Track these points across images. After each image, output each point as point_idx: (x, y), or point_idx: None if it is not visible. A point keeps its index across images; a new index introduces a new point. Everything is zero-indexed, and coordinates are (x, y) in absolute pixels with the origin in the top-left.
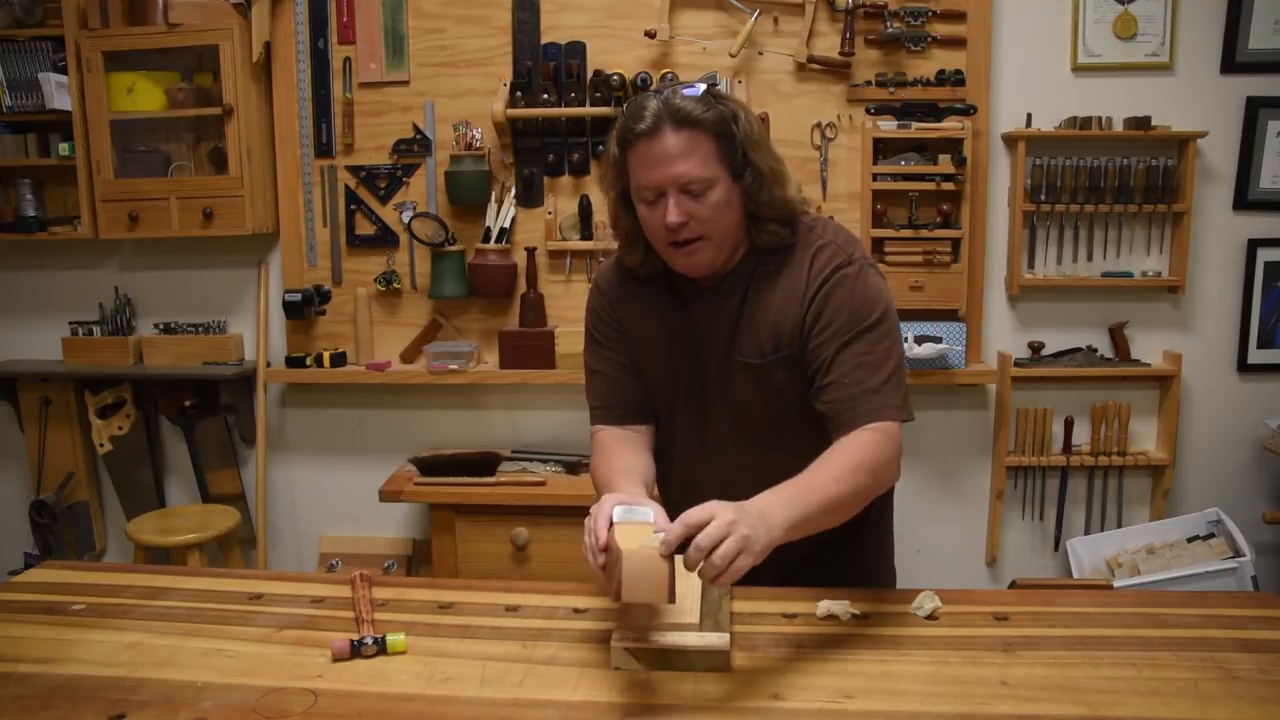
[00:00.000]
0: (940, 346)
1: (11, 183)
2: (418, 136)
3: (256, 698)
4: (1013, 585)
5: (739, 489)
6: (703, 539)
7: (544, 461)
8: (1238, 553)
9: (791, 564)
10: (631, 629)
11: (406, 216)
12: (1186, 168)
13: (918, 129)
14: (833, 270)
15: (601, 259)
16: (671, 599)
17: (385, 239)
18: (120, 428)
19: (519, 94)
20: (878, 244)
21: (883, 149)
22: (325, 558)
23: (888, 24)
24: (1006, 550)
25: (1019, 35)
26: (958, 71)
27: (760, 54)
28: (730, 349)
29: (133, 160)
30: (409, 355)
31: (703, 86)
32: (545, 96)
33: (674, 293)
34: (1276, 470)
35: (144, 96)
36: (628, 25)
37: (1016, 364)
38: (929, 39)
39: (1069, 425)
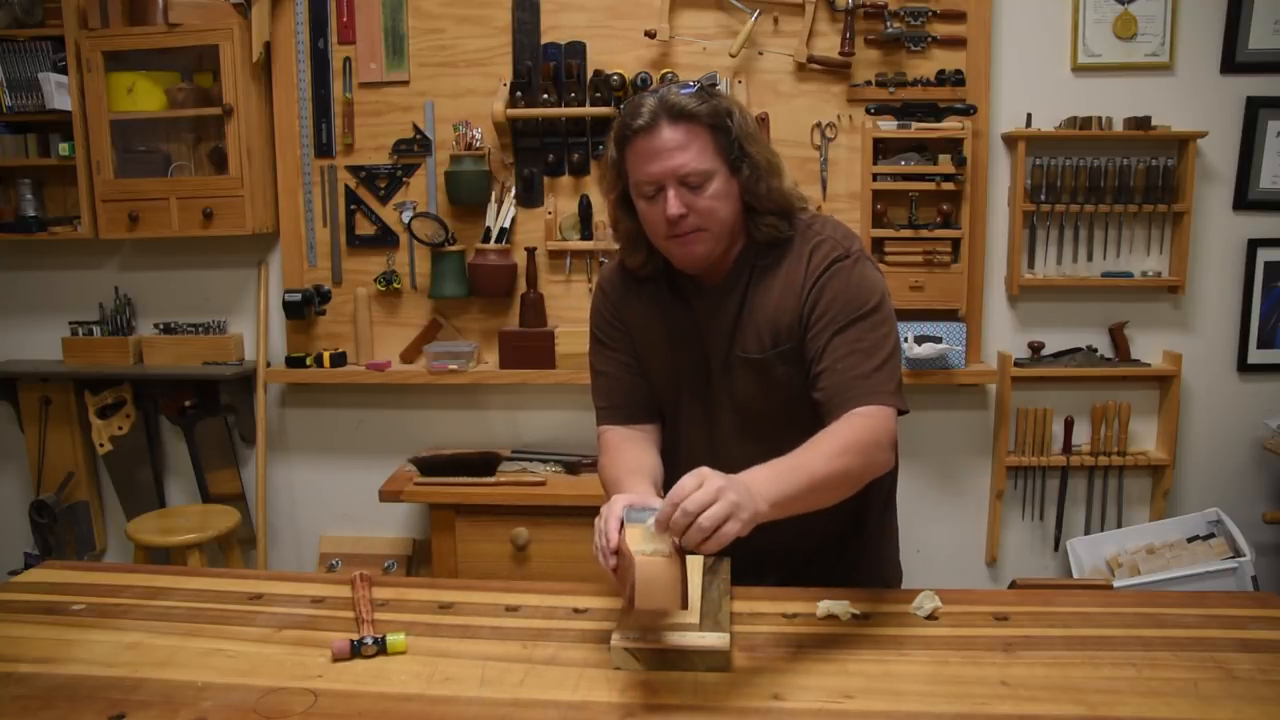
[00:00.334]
0: (940, 346)
1: (11, 183)
2: (418, 136)
3: (256, 698)
4: (1013, 585)
5: None
6: (689, 504)
7: (544, 461)
8: (1238, 553)
9: (795, 563)
10: (631, 629)
11: (406, 216)
12: (1186, 168)
13: (918, 129)
14: (830, 263)
15: (602, 259)
16: (684, 605)
17: (385, 239)
18: (120, 428)
19: (519, 94)
20: (878, 244)
21: (883, 149)
22: (325, 558)
23: (888, 24)
24: (1006, 550)
25: (1019, 35)
26: (958, 71)
27: (760, 54)
28: (732, 345)
29: (133, 160)
30: (409, 355)
31: (697, 85)
32: (545, 96)
33: (676, 292)
34: (1276, 470)
35: (144, 96)
36: (628, 25)
37: (1016, 364)
38: (929, 39)
39: (1069, 425)
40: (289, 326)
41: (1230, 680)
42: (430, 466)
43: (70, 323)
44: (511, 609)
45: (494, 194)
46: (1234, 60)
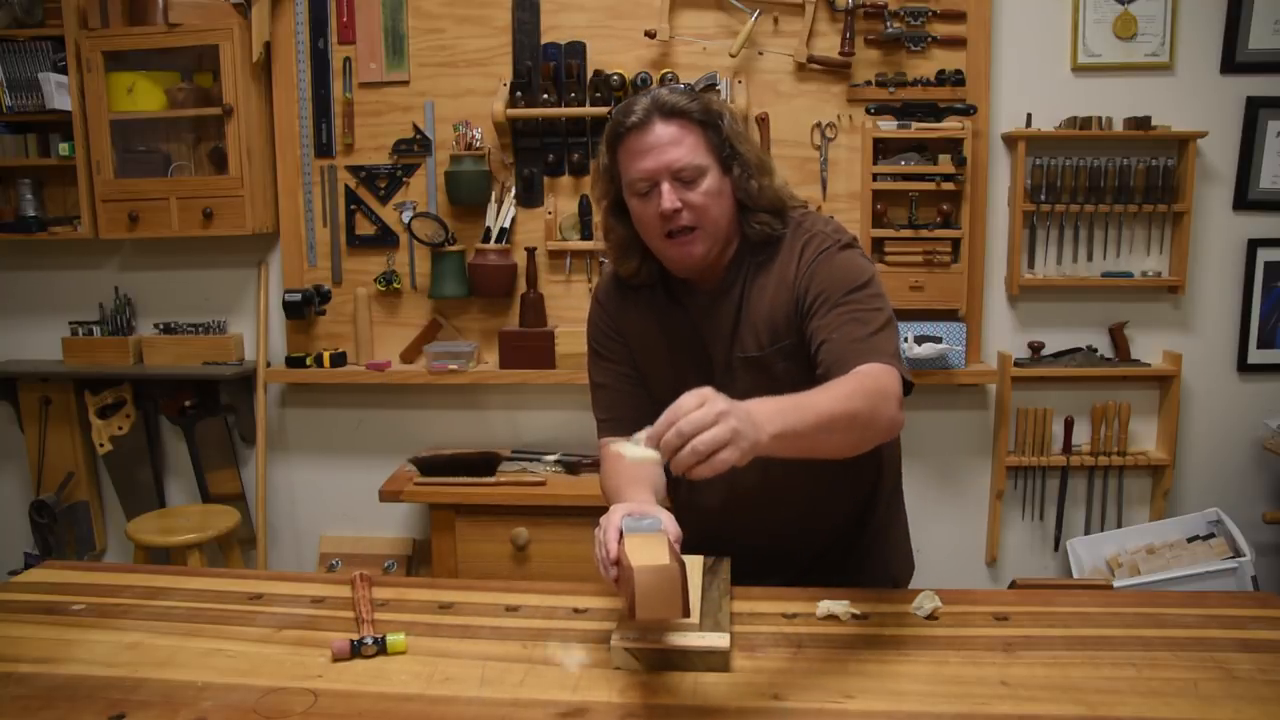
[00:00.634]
0: (940, 346)
1: (11, 183)
2: (418, 136)
3: (256, 698)
4: (1013, 585)
5: (746, 489)
6: (685, 424)
7: (544, 461)
8: (1238, 553)
9: (802, 565)
10: (632, 629)
11: (406, 216)
12: (1186, 168)
13: (918, 129)
14: (819, 253)
15: (602, 259)
16: (686, 613)
17: (385, 239)
18: (120, 428)
19: (519, 94)
20: (878, 244)
21: (883, 149)
22: (325, 558)
23: (888, 24)
24: (1006, 550)
25: (1019, 35)
26: (958, 71)
27: (760, 54)
28: (732, 346)
29: (133, 160)
30: (409, 355)
31: (687, 86)
32: (545, 96)
33: (672, 298)
34: (1276, 470)
35: (144, 96)
36: (628, 25)
37: (1016, 364)
38: (929, 39)
39: (1069, 425)
40: (289, 326)
41: (1230, 680)
42: (430, 466)
43: (70, 323)
44: (511, 609)
45: (494, 194)
46: (1234, 60)
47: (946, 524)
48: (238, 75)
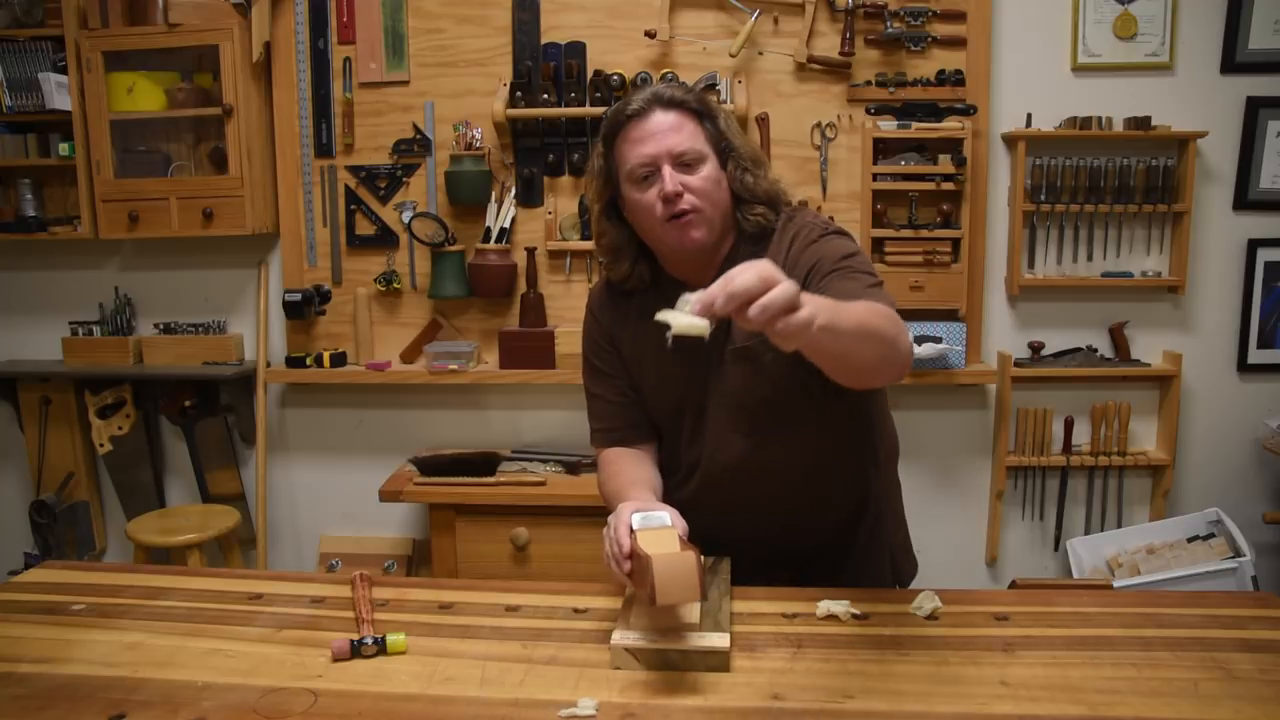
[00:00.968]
0: (940, 346)
1: (11, 183)
2: (418, 136)
3: (256, 698)
4: (1013, 585)
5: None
6: (737, 285)
7: (544, 461)
8: (1238, 553)
9: (801, 560)
10: (632, 629)
11: (406, 216)
12: (1186, 168)
13: (918, 129)
14: (809, 242)
15: (602, 260)
16: (704, 596)
17: (385, 239)
18: (120, 428)
19: (519, 94)
20: (878, 244)
21: (883, 149)
22: (325, 558)
23: (888, 24)
24: (1006, 550)
25: (1019, 35)
26: (958, 71)
27: (760, 54)
28: (725, 340)
29: (133, 160)
30: (409, 355)
31: (683, 84)
32: (545, 96)
33: (665, 301)
34: (1276, 470)
35: (144, 96)
36: (628, 25)
37: (1016, 364)
38: (929, 39)
39: (1069, 425)
40: (289, 326)
41: (1230, 680)
42: (430, 466)
43: (70, 323)
44: (511, 609)
45: (494, 194)
46: (1234, 60)
47: (946, 524)
48: (238, 75)
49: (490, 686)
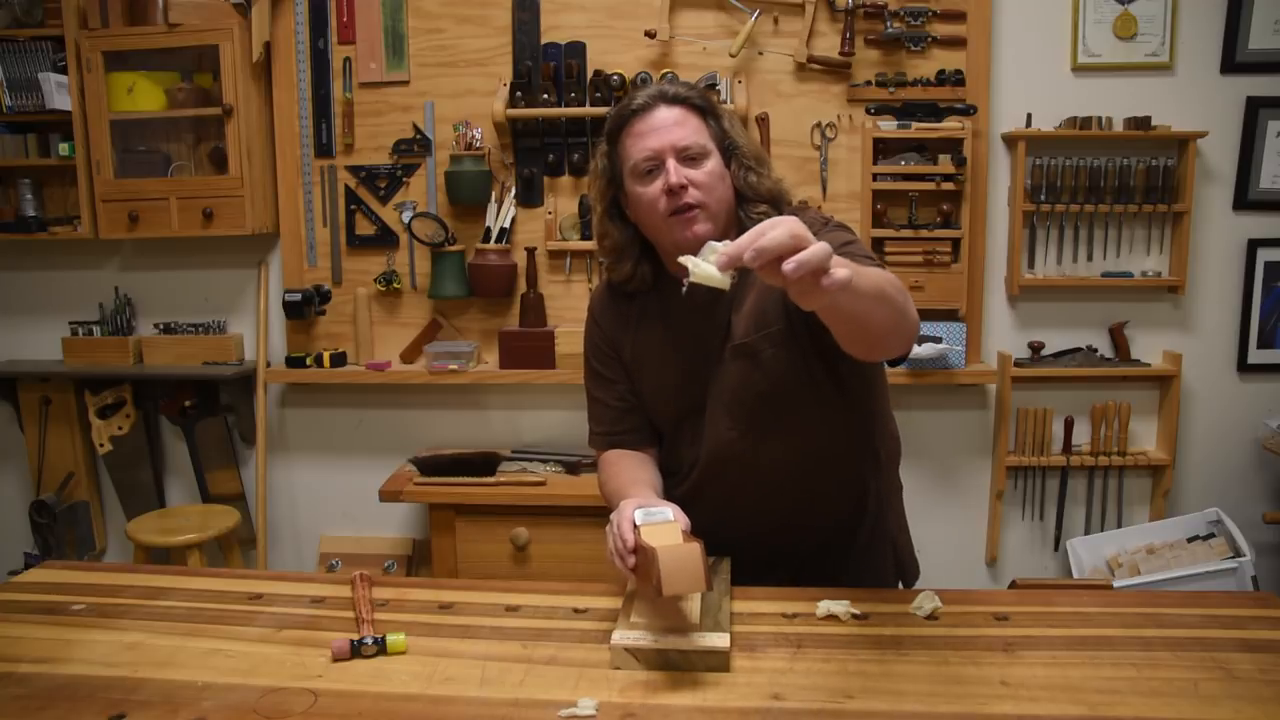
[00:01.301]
0: (940, 346)
1: (11, 183)
2: (418, 136)
3: (256, 698)
4: (1013, 585)
5: (742, 485)
6: (767, 241)
7: (544, 461)
8: (1238, 553)
9: (801, 559)
10: (631, 629)
11: (406, 216)
12: (1186, 168)
13: (918, 129)
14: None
15: (602, 260)
16: (710, 586)
17: (385, 239)
18: (120, 428)
19: (519, 94)
20: (878, 244)
21: (883, 149)
22: (325, 558)
23: (888, 24)
24: (1006, 550)
25: (1019, 35)
26: (958, 71)
27: (760, 54)
28: (725, 338)
29: (133, 160)
30: (409, 355)
31: (687, 84)
32: (545, 96)
33: (666, 301)
34: (1276, 470)
35: (144, 96)
36: (628, 25)
37: (1016, 364)
38: (929, 39)
39: (1069, 425)
40: (289, 326)
41: (1230, 680)
42: (430, 466)
43: (70, 323)
44: (511, 609)
45: (494, 194)
46: (1234, 60)
47: (946, 524)
48: (238, 75)
49: (490, 686)
